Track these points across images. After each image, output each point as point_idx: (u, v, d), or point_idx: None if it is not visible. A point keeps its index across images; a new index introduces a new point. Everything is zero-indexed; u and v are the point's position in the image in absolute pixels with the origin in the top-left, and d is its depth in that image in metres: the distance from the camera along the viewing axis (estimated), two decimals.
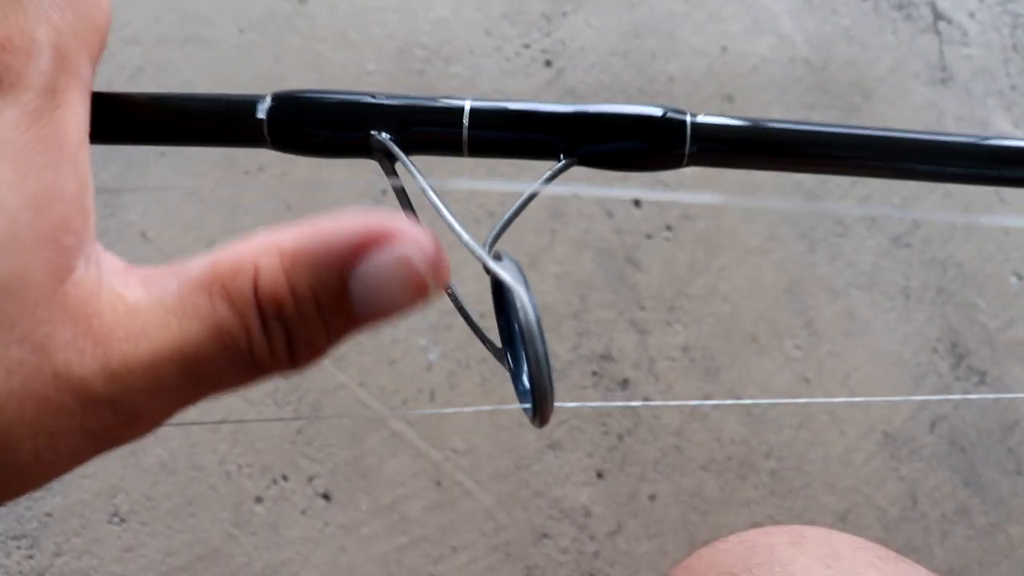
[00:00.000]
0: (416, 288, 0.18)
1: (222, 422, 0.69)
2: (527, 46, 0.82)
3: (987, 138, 0.25)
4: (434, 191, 0.22)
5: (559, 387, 0.73)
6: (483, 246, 0.21)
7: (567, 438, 0.73)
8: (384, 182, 0.26)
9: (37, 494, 0.67)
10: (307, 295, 0.18)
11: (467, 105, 0.24)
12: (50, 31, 0.19)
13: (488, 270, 0.20)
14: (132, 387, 0.18)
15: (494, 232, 0.23)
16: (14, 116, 0.18)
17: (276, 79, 0.77)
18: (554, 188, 0.24)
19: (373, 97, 0.24)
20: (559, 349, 0.74)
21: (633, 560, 0.71)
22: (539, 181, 0.24)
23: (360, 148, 0.24)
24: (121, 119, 0.24)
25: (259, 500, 0.69)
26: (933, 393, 0.77)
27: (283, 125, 0.24)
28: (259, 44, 0.79)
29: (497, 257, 0.21)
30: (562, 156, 0.24)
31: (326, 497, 0.70)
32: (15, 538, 0.67)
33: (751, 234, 0.79)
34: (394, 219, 0.19)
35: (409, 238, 0.18)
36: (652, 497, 0.72)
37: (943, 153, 0.25)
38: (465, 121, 0.24)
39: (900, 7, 0.87)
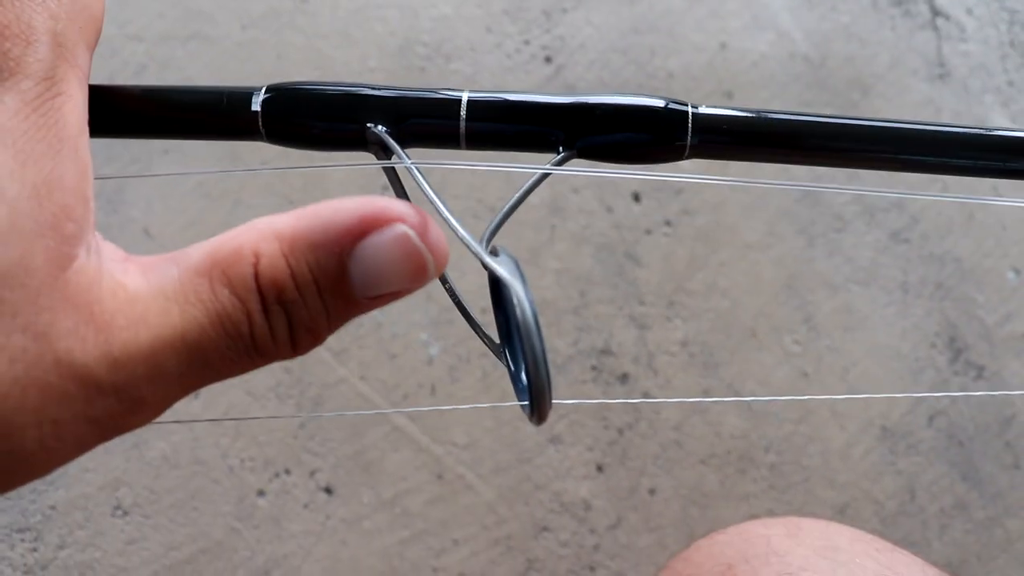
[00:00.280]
0: (415, 267, 0.18)
1: (222, 419, 0.70)
2: (527, 43, 0.82)
3: (992, 129, 0.25)
4: (433, 191, 0.21)
5: (559, 381, 0.74)
6: (480, 242, 0.21)
7: (567, 432, 0.73)
8: (385, 178, 0.25)
9: (41, 487, 0.68)
10: (307, 279, 0.18)
11: (464, 96, 0.23)
12: (47, 18, 0.19)
13: (485, 266, 0.20)
14: (134, 374, 0.18)
15: (491, 227, 0.23)
16: (13, 104, 0.18)
17: (278, 76, 0.77)
18: (553, 168, 0.24)
19: (369, 89, 0.23)
20: (559, 344, 0.75)
21: (633, 553, 0.72)
22: (536, 175, 0.24)
23: (356, 141, 0.24)
24: (115, 112, 0.23)
25: (261, 494, 0.70)
26: (931, 388, 0.77)
27: (278, 117, 0.23)
28: (261, 41, 0.79)
29: (494, 253, 0.21)
30: (561, 148, 0.24)
31: (328, 491, 0.70)
32: (19, 531, 0.67)
33: (750, 230, 0.79)
34: (390, 201, 0.19)
35: (407, 217, 0.18)
36: (652, 491, 0.73)
37: (948, 144, 0.25)
38: (462, 113, 0.23)
39: (898, 3, 0.87)
